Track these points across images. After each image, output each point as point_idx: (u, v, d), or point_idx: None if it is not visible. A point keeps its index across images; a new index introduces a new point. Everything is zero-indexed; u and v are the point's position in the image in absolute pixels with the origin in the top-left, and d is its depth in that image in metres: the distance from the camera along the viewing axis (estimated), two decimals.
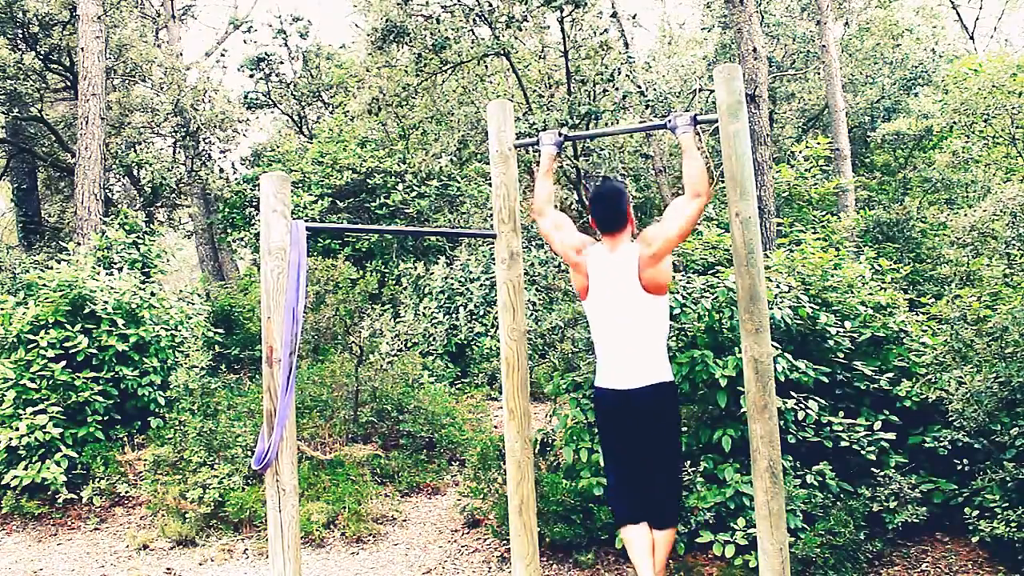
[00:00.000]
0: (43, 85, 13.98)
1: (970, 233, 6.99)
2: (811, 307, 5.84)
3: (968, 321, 5.50)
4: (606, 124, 11.37)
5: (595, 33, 11.60)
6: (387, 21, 11.42)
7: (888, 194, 14.26)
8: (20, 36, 13.70)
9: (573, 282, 3.74)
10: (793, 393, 5.55)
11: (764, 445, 3.46)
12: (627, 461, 3.60)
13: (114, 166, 13.89)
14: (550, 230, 3.82)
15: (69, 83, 14.39)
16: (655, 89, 12.77)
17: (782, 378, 5.33)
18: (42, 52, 13.78)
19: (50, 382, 7.03)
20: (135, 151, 14.82)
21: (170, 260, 10.56)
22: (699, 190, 3.45)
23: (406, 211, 13.47)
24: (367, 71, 13.54)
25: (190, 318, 8.56)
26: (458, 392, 9.71)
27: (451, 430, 7.99)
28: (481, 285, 10.82)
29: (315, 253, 11.94)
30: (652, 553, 3.50)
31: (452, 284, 11.08)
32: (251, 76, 18.40)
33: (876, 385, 5.85)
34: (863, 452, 5.42)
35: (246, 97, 18.25)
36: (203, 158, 15.64)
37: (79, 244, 10.30)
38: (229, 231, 14.69)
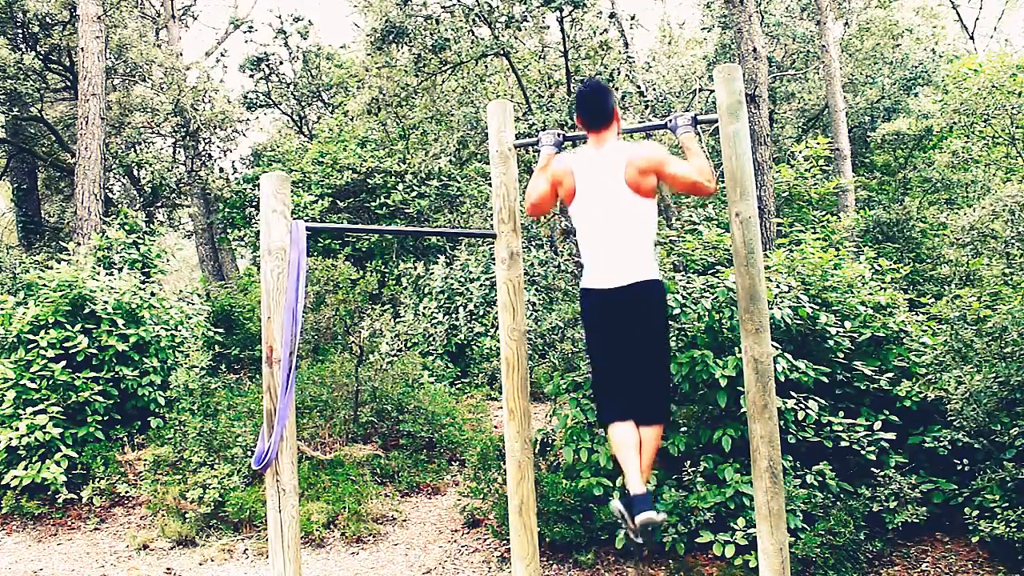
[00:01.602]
0: (43, 85, 13.98)
1: (970, 233, 6.98)
2: (811, 307, 5.84)
3: (968, 321, 5.50)
4: None
5: (595, 33, 11.61)
6: (387, 21, 11.43)
7: (888, 194, 14.26)
8: (20, 36, 13.70)
9: (561, 191, 3.64)
10: (793, 393, 5.55)
11: (764, 445, 3.46)
12: (614, 359, 3.56)
13: (114, 166, 13.89)
14: (536, 184, 3.75)
15: (69, 83, 14.39)
16: (655, 89, 12.77)
17: (782, 378, 5.33)
18: (42, 52, 13.78)
19: (50, 382, 7.02)
20: (135, 151, 14.84)
21: (170, 260, 10.55)
22: (707, 176, 3.44)
23: (406, 211, 13.47)
24: (367, 71, 13.55)
25: (190, 318, 8.56)
26: (458, 392, 9.71)
27: (451, 430, 7.99)
28: (481, 285, 10.82)
29: (315, 253, 11.95)
30: (639, 450, 3.46)
31: (452, 284, 11.08)
32: (251, 76, 18.41)
33: (876, 385, 5.85)
34: (863, 452, 5.42)
35: (246, 97, 18.26)
36: (203, 158, 15.65)
37: (79, 244, 10.30)
38: (229, 231, 14.69)
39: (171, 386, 8.11)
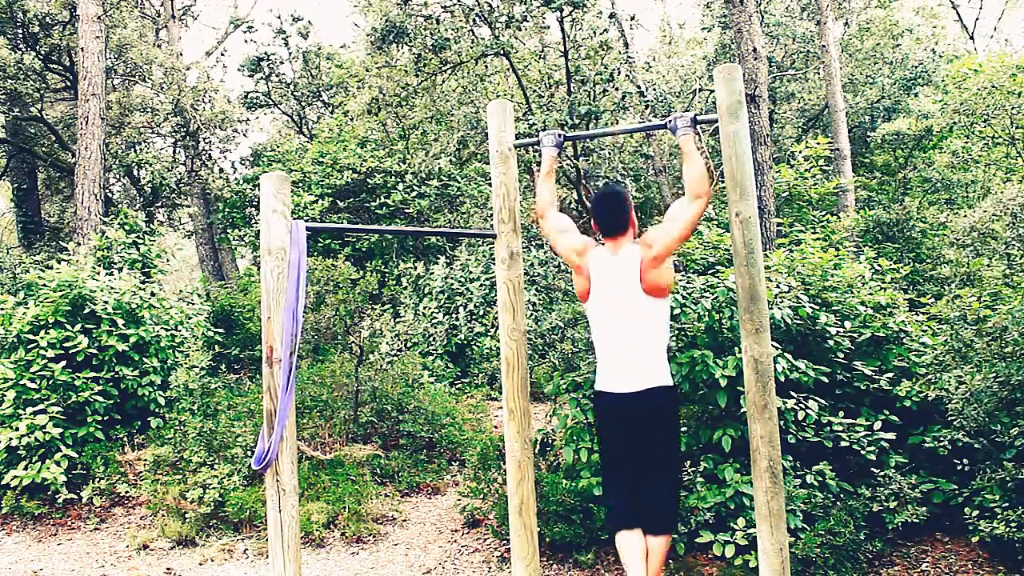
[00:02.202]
0: (43, 85, 13.98)
1: (970, 233, 6.99)
2: (811, 307, 5.84)
3: (968, 321, 5.50)
4: (606, 124, 11.37)
5: (595, 33, 11.60)
6: (387, 21, 11.43)
7: (888, 194, 14.26)
8: (20, 36, 13.70)
9: (575, 284, 3.74)
10: (793, 393, 5.55)
11: (764, 445, 3.46)
12: (625, 465, 3.58)
13: (114, 166, 13.89)
14: (553, 233, 3.83)
15: (69, 83, 14.39)
16: (655, 89, 12.77)
17: (782, 378, 5.33)
18: (42, 52, 13.78)
19: (50, 382, 7.02)
20: (135, 151, 14.84)
21: (170, 260, 10.55)
22: (699, 192, 3.46)
23: (406, 211, 13.47)
24: (367, 71, 13.55)
25: (190, 318, 8.56)
26: (458, 392, 9.71)
27: (451, 430, 7.99)
28: (481, 285, 10.83)
29: (315, 253, 11.95)
30: (646, 560, 3.47)
31: (452, 284, 11.08)
32: (251, 76, 18.40)
33: (876, 385, 5.85)
34: (863, 452, 5.42)
35: (246, 97, 18.26)
36: (203, 158, 15.65)
37: (79, 244, 10.30)
38: (229, 231, 14.69)
39: (171, 386, 8.11)
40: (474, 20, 11.35)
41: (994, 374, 5.13)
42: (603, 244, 3.68)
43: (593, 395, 3.74)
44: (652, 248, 3.47)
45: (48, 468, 6.65)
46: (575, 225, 3.91)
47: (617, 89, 11.38)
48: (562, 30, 11.06)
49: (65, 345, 7.15)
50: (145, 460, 7.09)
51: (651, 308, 3.50)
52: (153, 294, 8.20)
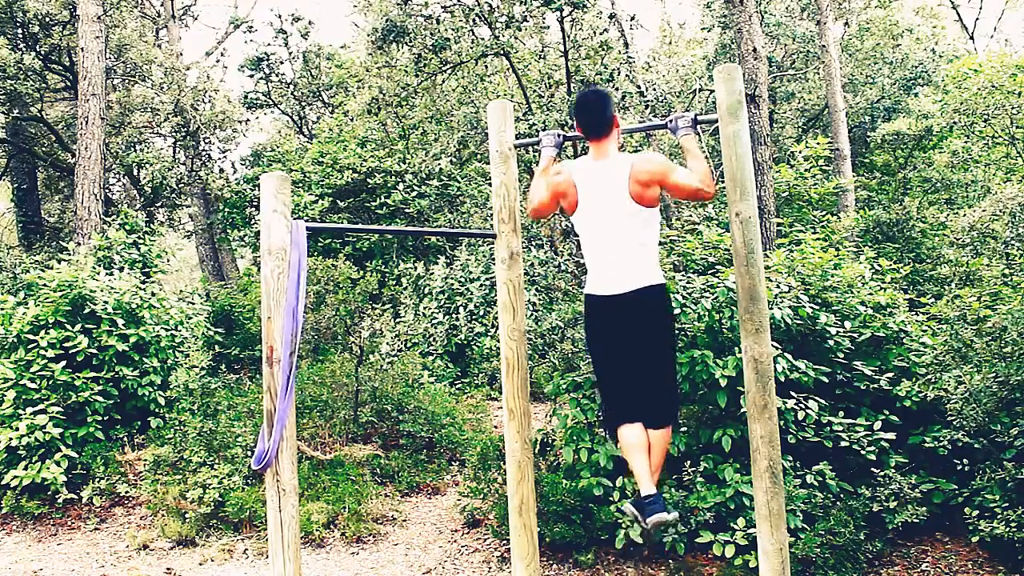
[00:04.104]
0: (43, 85, 13.97)
1: (970, 233, 6.99)
2: (811, 307, 5.84)
3: (968, 321, 5.50)
4: None
5: (595, 33, 11.61)
6: (387, 21, 11.43)
7: (888, 194, 14.26)
8: (20, 36, 13.69)
9: (564, 203, 3.65)
10: (793, 393, 5.55)
11: (764, 445, 3.46)
12: (619, 364, 3.57)
13: (114, 166, 13.89)
14: (535, 196, 3.76)
15: (69, 83, 14.39)
16: (655, 89, 12.77)
17: (782, 378, 5.33)
18: (42, 52, 13.78)
19: (50, 382, 7.02)
20: (135, 151, 14.82)
21: (170, 260, 10.54)
22: (707, 183, 3.46)
23: (406, 211, 13.47)
24: (367, 71, 13.56)
25: (190, 318, 8.55)
26: (458, 392, 9.71)
27: (451, 430, 7.99)
28: (481, 285, 10.83)
29: (315, 253, 11.94)
30: (648, 453, 3.48)
31: (452, 284, 11.08)
32: (251, 76, 18.41)
33: (876, 385, 5.85)
34: (863, 452, 5.42)
35: (246, 97, 18.26)
36: (203, 158, 15.65)
37: (79, 244, 10.30)
38: (229, 231, 14.69)
39: (171, 386, 8.11)
40: (474, 20, 11.35)
41: (994, 374, 5.13)
42: (583, 157, 3.64)
43: (584, 299, 3.68)
44: (641, 173, 3.44)
45: (48, 468, 6.65)
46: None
47: (617, 89, 11.38)
48: (562, 30, 11.06)
49: (65, 345, 7.14)
50: (145, 460, 7.09)
51: (639, 212, 3.47)
52: (153, 294, 8.20)
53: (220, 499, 6.46)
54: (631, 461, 3.50)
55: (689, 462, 5.52)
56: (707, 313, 5.62)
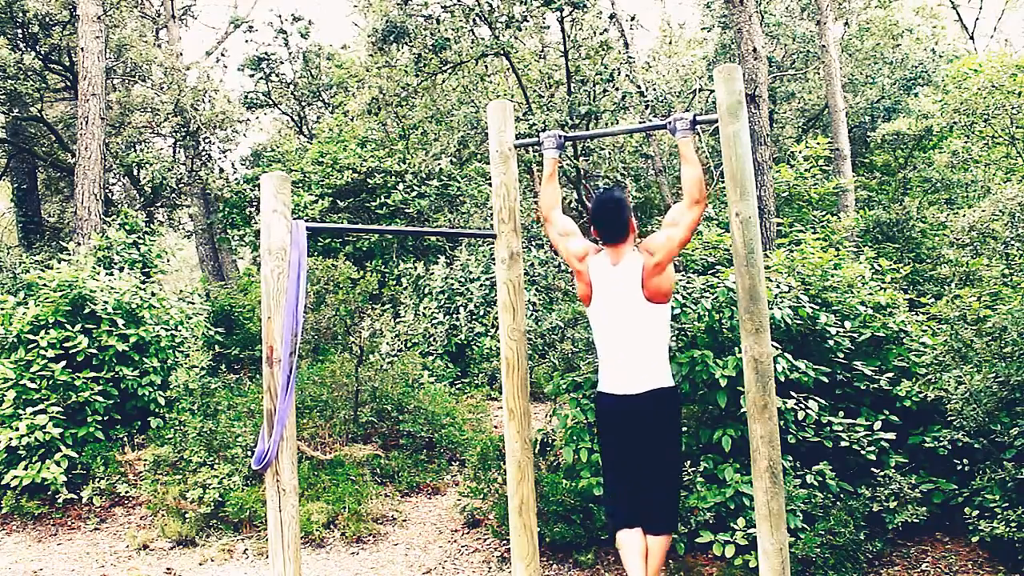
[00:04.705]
0: (43, 85, 13.97)
1: (970, 233, 6.99)
2: (811, 307, 5.83)
3: (968, 321, 5.50)
4: (606, 124, 11.38)
5: (595, 33, 11.61)
6: (387, 21, 11.44)
7: (888, 194, 14.26)
8: (20, 36, 13.69)
9: (576, 287, 3.77)
10: (793, 393, 5.54)
11: (764, 445, 3.46)
12: (626, 466, 3.59)
13: (114, 166, 13.89)
14: (556, 237, 3.87)
15: (69, 83, 14.38)
16: (655, 89, 12.77)
17: (782, 378, 5.33)
18: (42, 52, 13.78)
19: (50, 382, 7.02)
20: (135, 151, 14.82)
21: (170, 260, 10.54)
22: (698, 197, 3.51)
23: (406, 211, 13.47)
24: (367, 71, 13.57)
25: (190, 318, 8.55)
26: (458, 392, 9.71)
27: (451, 430, 7.99)
28: (481, 285, 10.83)
29: (315, 253, 11.95)
30: (645, 559, 3.48)
31: (452, 284, 11.08)
32: (251, 76, 18.41)
33: (876, 385, 5.85)
34: (863, 452, 5.42)
35: (246, 97, 18.26)
36: (203, 158, 15.64)
37: (79, 244, 10.30)
38: (229, 231, 14.69)
39: (171, 386, 8.10)
40: (474, 20, 11.35)
41: (994, 374, 5.13)
42: (603, 251, 3.70)
43: (595, 396, 3.76)
44: (654, 256, 3.50)
45: (48, 468, 6.65)
46: (577, 228, 3.93)
47: (617, 89, 11.39)
48: (562, 30, 11.06)
49: (65, 345, 7.14)
50: (145, 460, 7.09)
51: (653, 313, 3.53)
52: (153, 294, 8.20)
53: (220, 499, 6.46)
54: (627, 565, 3.52)
55: (689, 462, 5.52)
56: (707, 313, 5.62)
